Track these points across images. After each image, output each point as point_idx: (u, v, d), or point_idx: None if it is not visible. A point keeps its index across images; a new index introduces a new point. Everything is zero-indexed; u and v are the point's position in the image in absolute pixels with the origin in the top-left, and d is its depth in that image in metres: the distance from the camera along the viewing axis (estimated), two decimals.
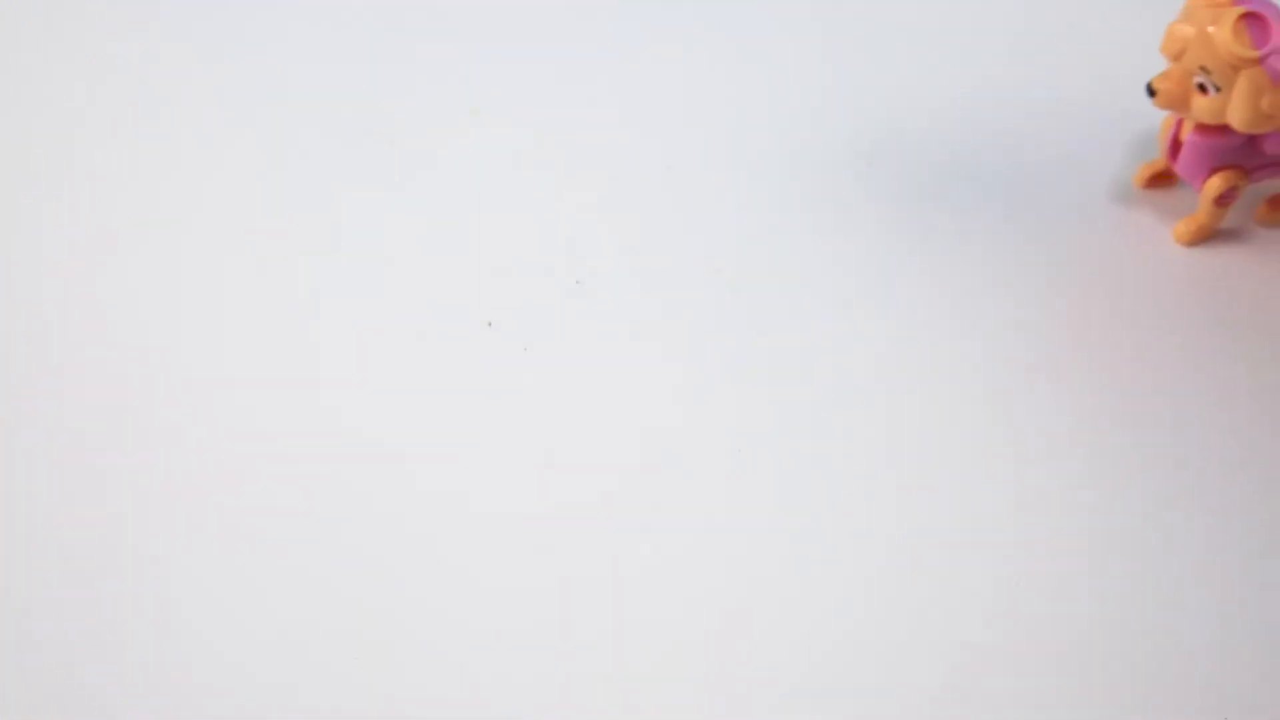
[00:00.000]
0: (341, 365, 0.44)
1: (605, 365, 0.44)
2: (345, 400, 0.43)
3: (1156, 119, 0.48)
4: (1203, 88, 0.42)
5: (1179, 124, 0.46)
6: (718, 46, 0.61)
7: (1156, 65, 0.44)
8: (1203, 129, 0.44)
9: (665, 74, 0.59)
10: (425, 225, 0.50)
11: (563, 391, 0.44)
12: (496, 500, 0.41)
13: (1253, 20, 0.40)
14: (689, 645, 0.38)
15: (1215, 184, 0.45)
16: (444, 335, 0.45)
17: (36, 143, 0.55)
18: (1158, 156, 0.48)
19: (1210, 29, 0.41)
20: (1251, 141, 0.44)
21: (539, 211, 0.51)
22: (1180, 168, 0.46)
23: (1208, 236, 0.47)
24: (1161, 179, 0.49)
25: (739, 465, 0.42)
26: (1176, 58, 0.42)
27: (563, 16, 0.63)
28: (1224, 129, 0.43)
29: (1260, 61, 0.40)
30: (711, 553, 0.39)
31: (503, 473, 0.42)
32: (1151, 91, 0.43)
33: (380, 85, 0.58)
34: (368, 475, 0.41)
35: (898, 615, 0.38)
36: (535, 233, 0.49)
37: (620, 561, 0.39)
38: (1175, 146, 0.46)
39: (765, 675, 0.37)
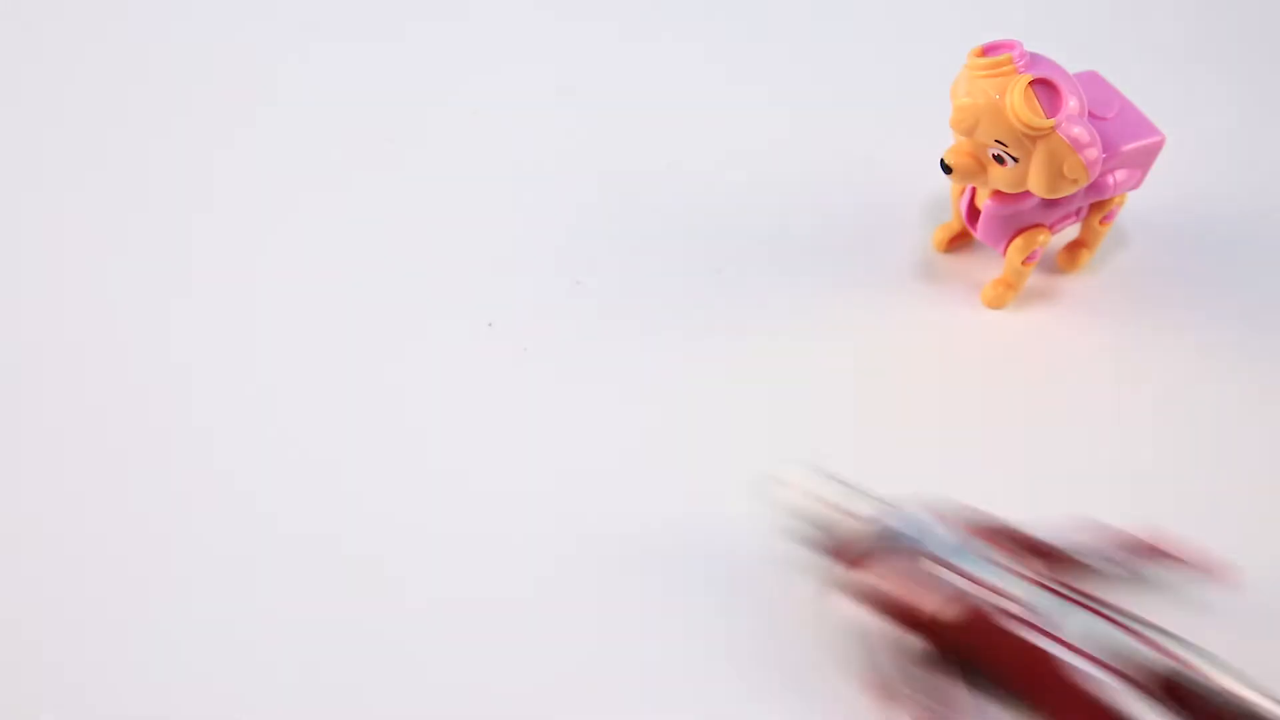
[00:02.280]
0: (342, 366, 0.45)
1: (605, 365, 0.45)
2: (346, 400, 0.43)
3: (944, 181, 0.46)
4: (999, 159, 0.40)
5: (973, 190, 0.44)
6: (717, 45, 0.61)
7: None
8: (1000, 195, 0.43)
9: (665, 73, 0.59)
10: (426, 225, 0.50)
11: (562, 391, 0.44)
12: (495, 499, 0.41)
13: (1041, 86, 0.39)
14: (680, 640, 0.38)
15: (1019, 247, 0.44)
16: (445, 335, 0.46)
17: (36, 144, 0.55)
18: (951, 219, 0.47)
19: (1003, 99, 0.39)
20: (1050, 198, 0.42)
21: (539, 212, 0.51)
22: (981, 234, 0.44)
23: (1015, 297, 0.46)
24: (960, 239, 0.48)
25: (742, 467, 0.41)
26: (969, 132, 0.40)
27: (563, 17, 0.63)
28: (1022, 194, 0.42)
29: (1056, 129, 0.39)
30: (711, 555, 0.40)
31: (502, 472, 0.42)
32: (947, 168, 0.41)
33: (381, 86, 0.58)
34: (368, 475, 0.42)
35: None
36: (535, 233, 0.49)
37: (618, 558, 0.39)
38: (973, 213, 0.44)
39: None
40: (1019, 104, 0.38)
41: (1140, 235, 0.49)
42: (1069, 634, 0.28)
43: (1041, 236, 0.44)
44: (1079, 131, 0.39)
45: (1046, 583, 0.29)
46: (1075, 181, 0.40)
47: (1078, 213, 0.45)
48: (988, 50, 0.40)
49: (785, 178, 0.51)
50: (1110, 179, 0.42)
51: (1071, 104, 0.39)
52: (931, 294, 0.46)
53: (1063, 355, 0.44)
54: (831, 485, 0.35)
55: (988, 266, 0.47)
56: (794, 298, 0.46)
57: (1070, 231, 0.47)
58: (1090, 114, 0.40)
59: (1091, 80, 0.42)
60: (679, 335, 0.46)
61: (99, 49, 0.60)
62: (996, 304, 0.46)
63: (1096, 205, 0.45)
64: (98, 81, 0.58)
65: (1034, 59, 0.39)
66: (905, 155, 0.50)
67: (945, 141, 0.42)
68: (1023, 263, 0.44)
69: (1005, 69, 0.39)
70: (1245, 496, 0.40)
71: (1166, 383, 0.44)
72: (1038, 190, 0.41)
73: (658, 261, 0.49)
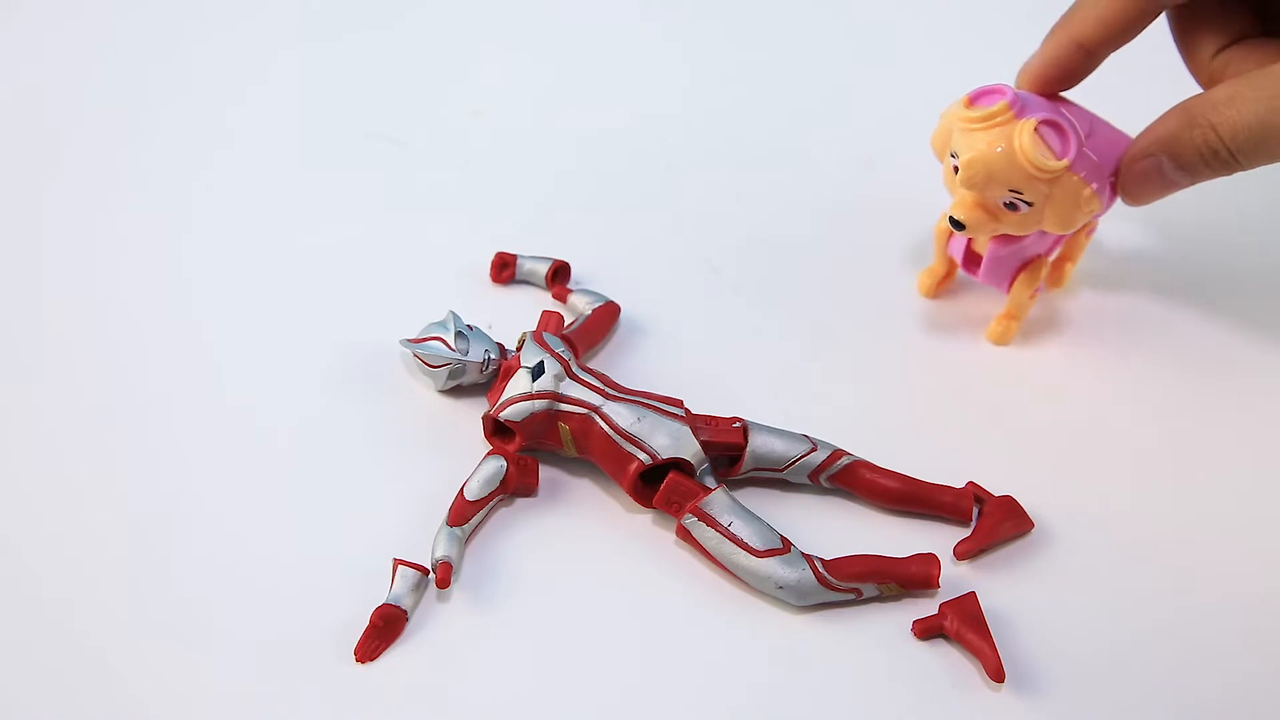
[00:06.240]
0: (344, 366, 0.44)
1: (605, 365, 0.45)
2: (346, 399, 0.43)
3: (919, 225, 0.45)
4: (1013, 205, 0.39)
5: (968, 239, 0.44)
6: (716, 46, 0.61)
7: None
8: (1003, 237, 0.42)
9: (664, 74, 0.59)
10: (427, 225, 0.50)
11: None
12: None
13: (1046, 127, 0.38)
14: None
15: (1025, 281, 0.43)
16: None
17: (44, 145, 0.55)
18: (934, 263, 0.46)
19: (1011, 148, 0.38)
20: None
21: (540, 212, 0.51)
22: (985, 277, 0.44)
23: (1019, 329, 0.45)
24: (946, 282, 0.47)
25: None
26: (982, 187, 0.39)
27: (563, 18, 0.63)
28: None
29: (1071, 167, 0.38)
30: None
31: None
32: (959, 225, 0.40)
33: (382, 87, 0.58)
34: (369, 475, 0.42)
35: None
36: (536, 234, 0.50)
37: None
38: (970, 257, 0.44)
39: None
40: (1030, 150, 0.38)
41: (1118, 244, 0.49)
42: (617, 420, 0.39)
43: (1043, 269, 0.44)
44: (1084, 162, 0.39)
45: (607, 390, 0.40)
46: (1092, 212, 0.40)
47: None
48: (975, 99, 0.39)
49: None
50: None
51: (1077, 139, 0.39)
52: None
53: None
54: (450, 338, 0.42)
55: (982, 303, 0.47)
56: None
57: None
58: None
59: (1063, 104, 0.42)
60: (682, 335, 0.46)
61: (109, 53, 0.60)
62: (1003, 340, 0.45)
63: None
64: (106, 83, 0.58)
65: (1026, 100, 0.39)
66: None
67: (923, 186, 0.40)
68: (1030, 296, 0.44)
69: (1002, 117, 0.38)
70: (1193, 537, 0.40)
71: (1175, 401, 0.44)
72: (1055, 228, 0.40)
73: (658, 260, 0.49)
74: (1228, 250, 0.49)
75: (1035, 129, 0.38)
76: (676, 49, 0.61)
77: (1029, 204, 0.39)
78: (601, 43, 0.61)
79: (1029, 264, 0.43)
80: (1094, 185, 0.40)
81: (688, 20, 0.63)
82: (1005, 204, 0.40)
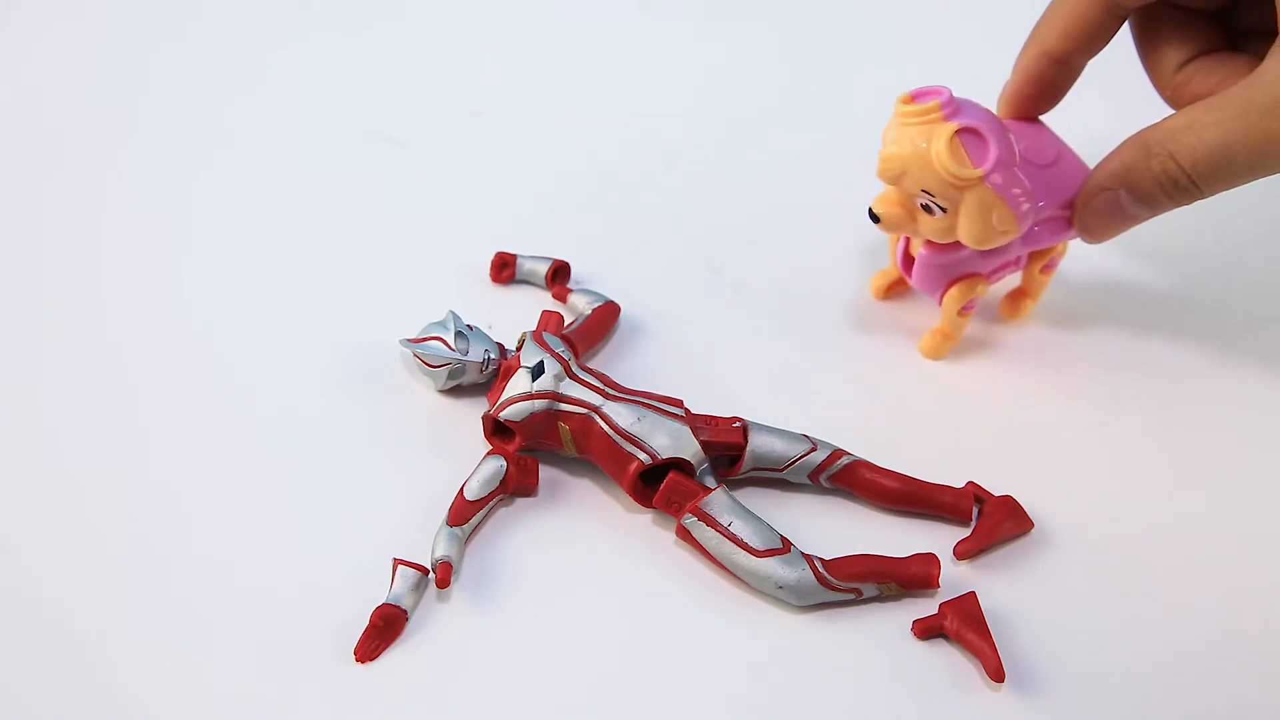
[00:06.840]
0: (344, 366, 0.45)
1: (605, 365, 0.45)
2: (346, 399, 0.43)
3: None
4: (928, 208, 0.39)
5: (908, 237, 0.43)
6: (716, 45, 0.61)
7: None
8: (934, 244, 0.42)
9: (664, 73, 0.59)
10: (427, 225, 0.50)
11: None
12: None
13: (969, 135, 0.38)
14: None
15: (955, 296, 0.43)
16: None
17: (44, 145, 0.55)
18: (889, 265, 0.46)
19: (928, 148, 0.38)
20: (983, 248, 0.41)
21: (540, 212, 0.51)
22: (916, 283, 0.43)
23: (953, 346, 0.45)
24: (898, 286, 0.47)
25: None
26: (896, 182, 0.39)
27: (563, 17, 0.63)
28: (956, 243, 0.41)
29: (984, 179, 0.38)
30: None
31: None
32: (875, 218, 0.40)
33: (382, 87, 0.58)
34: (369, 475, 0.42)
35: None
36: (536, 234, 0.50)
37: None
38: (908, 260, 0.43)
39: None
40: (944, 153, 0.38)
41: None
42: (617, 420, 0.39)
43: (979, 287, 0.43)
44: (1007, 181, 0.38)
45: (607, 390, 0.40)
46: (1005, 233, 0.39)
47: (1017, 261, 0.44)
48: (916, 96, 0.39)
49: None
50: (1047, 228, 0.42)
51: (998, 153, 0.38)
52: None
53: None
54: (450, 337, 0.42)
55: (927, 314, 0.46)
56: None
57: (1013, 279, 0.46)
58: (1026, 162, 0.39)
59: (1031, 127, 0.41)
60: (682, 336, 0.46)
61: (112, 56, 0.60)
62: (934, 354, 0.45)
63: (1037, 254, 0.44)
64: (112, 85, 0.58)
65: (962, 106, 0.39)
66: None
67: (881, 186, 0.41)
68: (959, 313, 0.43)
69: (932, 116, 0.38)
70: (1191, 538, 0.40)
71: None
72: (967, 241, 0.40)
73: (658, 261, 0.49)
74: (1214, 273, 0.49)
75: (955, 134, 0.38)
76: (676, 48, 0.61)
77: (942, 209, 0.39)
78: (602, 42, 0.61)
79: (963, 280, 0.43)
80: (1021, 208, 0.39)
81: (687, 20, 0.63)
82: (922, 205, 0.39)
